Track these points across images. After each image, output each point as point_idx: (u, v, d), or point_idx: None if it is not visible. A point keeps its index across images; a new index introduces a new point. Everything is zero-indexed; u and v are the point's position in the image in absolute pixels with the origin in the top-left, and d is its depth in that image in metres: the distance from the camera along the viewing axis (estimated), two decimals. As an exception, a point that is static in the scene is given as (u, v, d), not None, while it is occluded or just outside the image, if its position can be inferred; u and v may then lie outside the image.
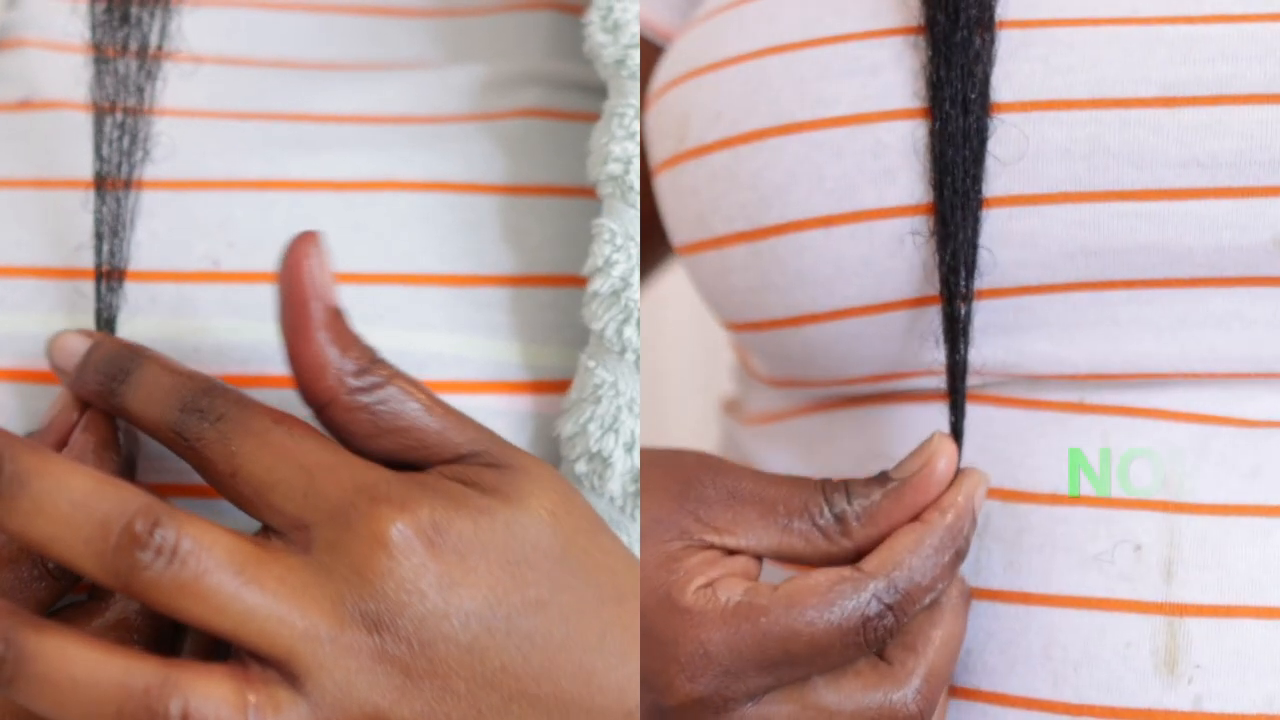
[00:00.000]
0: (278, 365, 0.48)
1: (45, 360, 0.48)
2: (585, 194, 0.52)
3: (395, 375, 0.45)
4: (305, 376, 0.44)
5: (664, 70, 0.56)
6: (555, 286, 0.52)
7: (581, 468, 0.49)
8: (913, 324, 0.51)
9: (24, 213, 0.51)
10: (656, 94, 0.56)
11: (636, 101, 0.50)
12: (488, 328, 0.51)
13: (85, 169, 0.51)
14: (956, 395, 0.50)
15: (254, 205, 0.51)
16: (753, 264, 0.52)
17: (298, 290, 0.44)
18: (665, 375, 1.13)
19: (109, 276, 0.50)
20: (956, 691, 0.50)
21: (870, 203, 0.50)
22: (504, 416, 0.50)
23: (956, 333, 0.50)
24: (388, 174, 0.52)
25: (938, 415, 0.51)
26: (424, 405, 0.45)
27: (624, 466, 0.49)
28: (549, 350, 0.51)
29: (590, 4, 0.52)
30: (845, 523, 0.49)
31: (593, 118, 0.52)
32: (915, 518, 0.48)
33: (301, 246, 0.44)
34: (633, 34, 0.51)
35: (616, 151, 0.50)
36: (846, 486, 0.49)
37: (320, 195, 0.52)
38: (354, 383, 0.44)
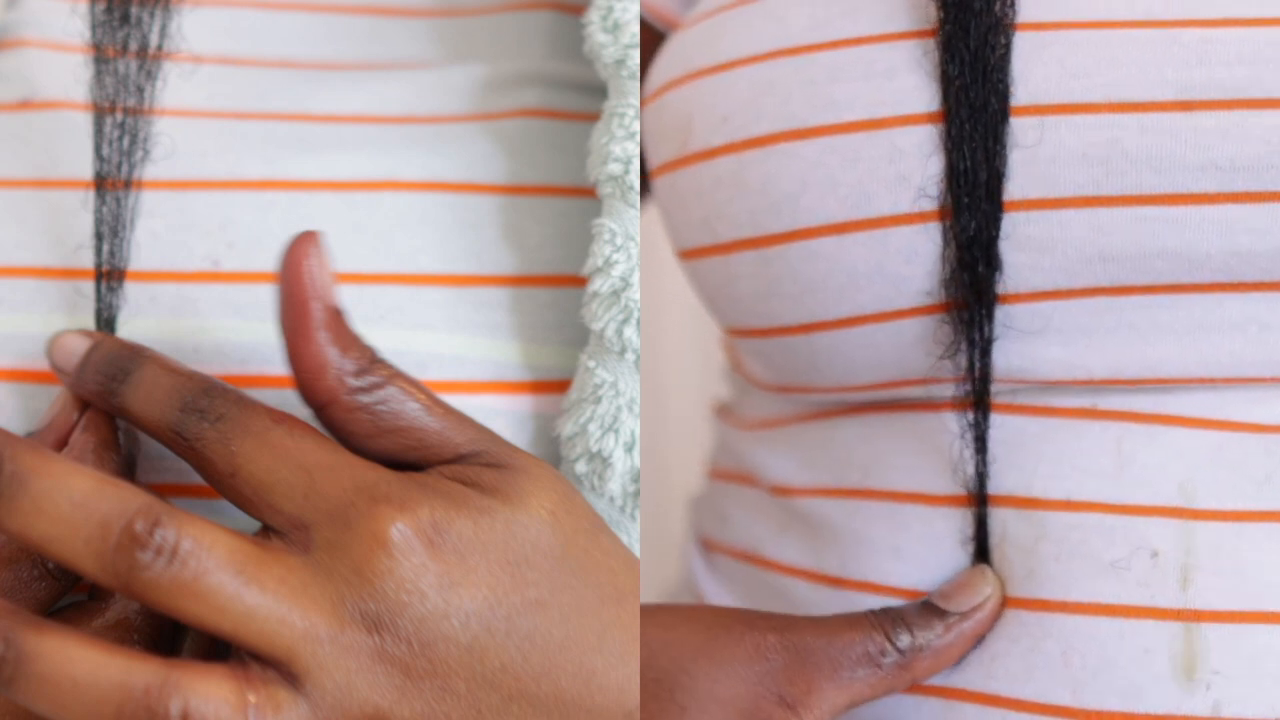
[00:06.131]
0: (278, 365, 0.49)
1: (45, 360, 0.48)
2: (585, 194, 0.52)
3: (395, 375, 0.45)
4: (305, 376, 0.44)
5: (662, 69, 0.55)
6: (555, 286, 0.52)
7: (581, 468, 0.49)
8: (926, 331, 0.50)
9: (24, 213, 0.51)
10: (656, 93, 0.55)
11: (636, 101, 0.50)
12: (488, 328, 0.51)
13: (85, 169, 0.51)
14: (981, 407, 0.50)
15: (254, 205, 0.51)
16: (761, 271, 0.51)
17: (298, 290, 0.44)
18: (665, 375, 1.13)
19: (109, 276, 0.50)
20: (978, 697, 0.50)
21: (885, 209, 0.49)
22: (504, 416, 0.50)
23: (980, 340, 0.49)
24: (388, 174, 0.52)
25: (949, 423, 0.51)
26: (424, 405, 0.45)
27: (624, 466, 0.49)
28: (549, 350, 0.51)
29: (590, 4, 0.52)
30: (908, 658, 0.49)
31: (593, 118, 0.52)
32: None
33: (301, 246, 0.44)
34: (633, 34, 0.51)
35: (616, 151, 0.50)
36: (905, 621, 0.50)
37: (320, 195, 0.52)
38: (354, 383, 0.44)
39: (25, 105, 0.54)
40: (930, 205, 0.49)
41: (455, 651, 0.42)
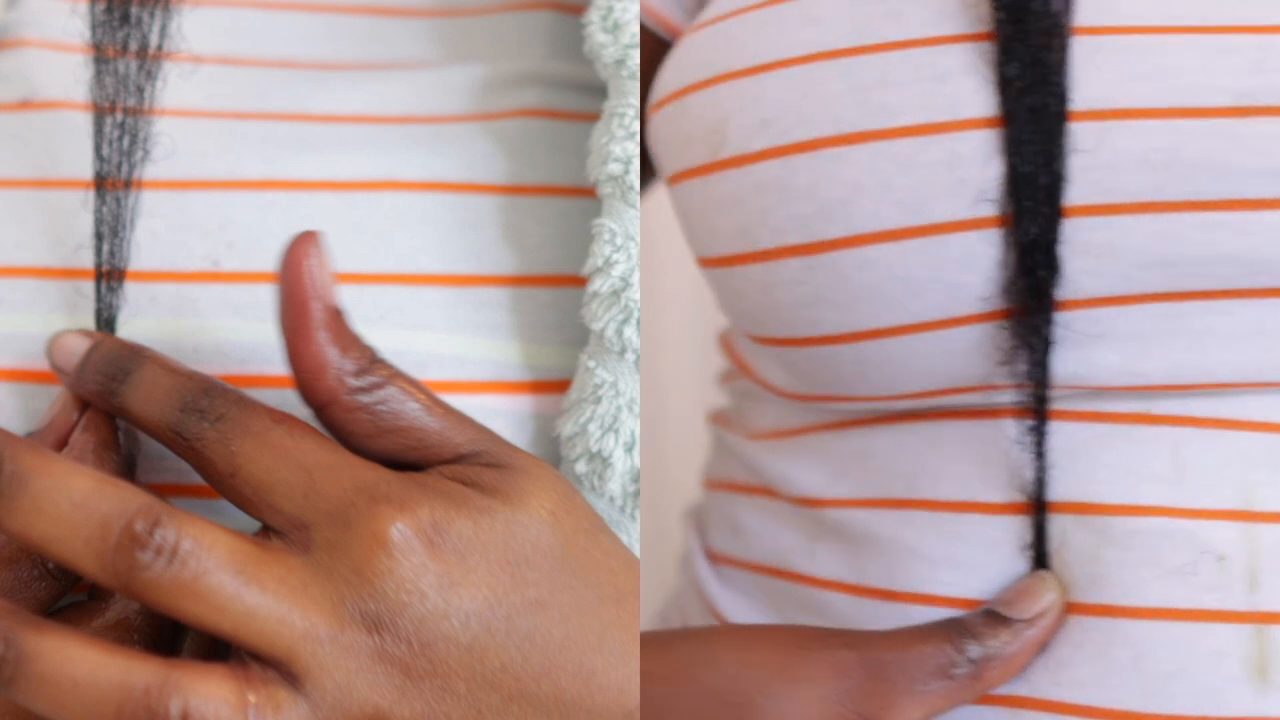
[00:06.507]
0: (278, 365, 0.49)
1: (45, 360, 0.48)
2: (585, 194, 0.52)
3: (395, 375, 0.45)
4: (305, 376, 0.44)
5: (683, 71, 0.54)
6: (555, 286, 0.52)
7: (581, 468, 0.49)
8: (982, 338, 0.50)
9: (24, 213, 0.51)
10: (676, 95, 0.54)
11: (636, 101, 0.50)
12: (488, 328, 0.51)
13: (85, 169, 0.51)
14: (1040, 413, 0.50)
15: (254, 205, 0.51)
16: (806, 278, 0.50)
17: (298, 290, 0.44)
18: (665, 375, 1.14)
19: (109, 276, 0.50)
20: (1046, 705, 0.50)
21: (942, 215, 0.48)
22: (504, 416, 0.50)
23: (1039, 346, 0.49)
24: (388, 174, 0.52)
25: (1007, 430, 0.51)
26: (424, 405, 0.45)
27: (624, 466, 0.49)
28: (549, 350, 0.51)
29: (590, 4, 0.52)
30: (978, 669, 0.49)
31: (593, 118, 0.52)
32: None
33: (301, 246, 0.44)
34: (633, 34, 0.51)
35: (616, 151, 0.50)
36: (972, 631, 0.50)
37: (320, 195, 0.52)
38: (354, 383, 0.44)
39: (25, 105, 0.54)
40: (990, 211, 0.48)
41: (455, 651, 0.42)
